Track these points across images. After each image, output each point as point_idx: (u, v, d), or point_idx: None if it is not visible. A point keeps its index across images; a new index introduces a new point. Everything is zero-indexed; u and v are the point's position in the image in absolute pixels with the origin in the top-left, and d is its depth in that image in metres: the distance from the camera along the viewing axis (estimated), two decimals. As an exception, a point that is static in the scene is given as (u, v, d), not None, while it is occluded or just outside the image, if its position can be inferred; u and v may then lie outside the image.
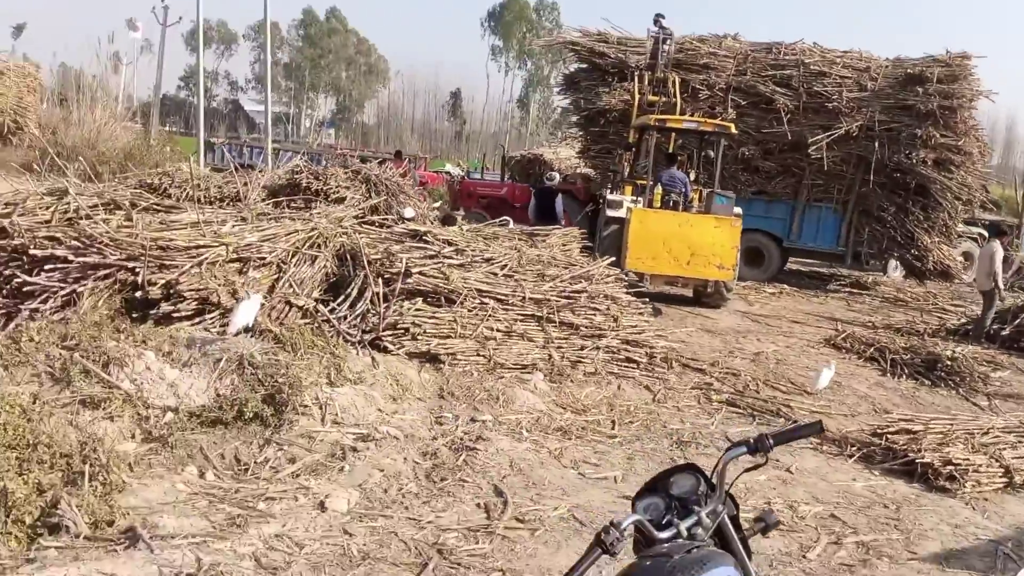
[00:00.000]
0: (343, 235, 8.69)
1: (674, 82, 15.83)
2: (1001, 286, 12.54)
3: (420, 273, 7.96)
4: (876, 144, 16.51)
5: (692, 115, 15.96)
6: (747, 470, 2.61)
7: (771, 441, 2.50)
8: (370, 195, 14.09)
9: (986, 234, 21.73)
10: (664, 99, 15.82)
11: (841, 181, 17.23)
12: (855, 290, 17.85)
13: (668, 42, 16.22)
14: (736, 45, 17.88)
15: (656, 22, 16.27)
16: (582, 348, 8.29)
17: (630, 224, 12.44)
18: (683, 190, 13.32)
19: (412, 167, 20.98)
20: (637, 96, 15.82)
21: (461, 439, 6.15)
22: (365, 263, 7.98)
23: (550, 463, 6.02)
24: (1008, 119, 72.22)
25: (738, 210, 13.30)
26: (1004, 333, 12.24)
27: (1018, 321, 12.13)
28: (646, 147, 14.75)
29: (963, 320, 13.60)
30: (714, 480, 2.54)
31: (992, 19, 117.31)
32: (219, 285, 7.12)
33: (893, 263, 19.06)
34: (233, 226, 7.94)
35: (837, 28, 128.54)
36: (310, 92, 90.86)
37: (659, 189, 13.33)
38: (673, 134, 15.25)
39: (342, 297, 7.78)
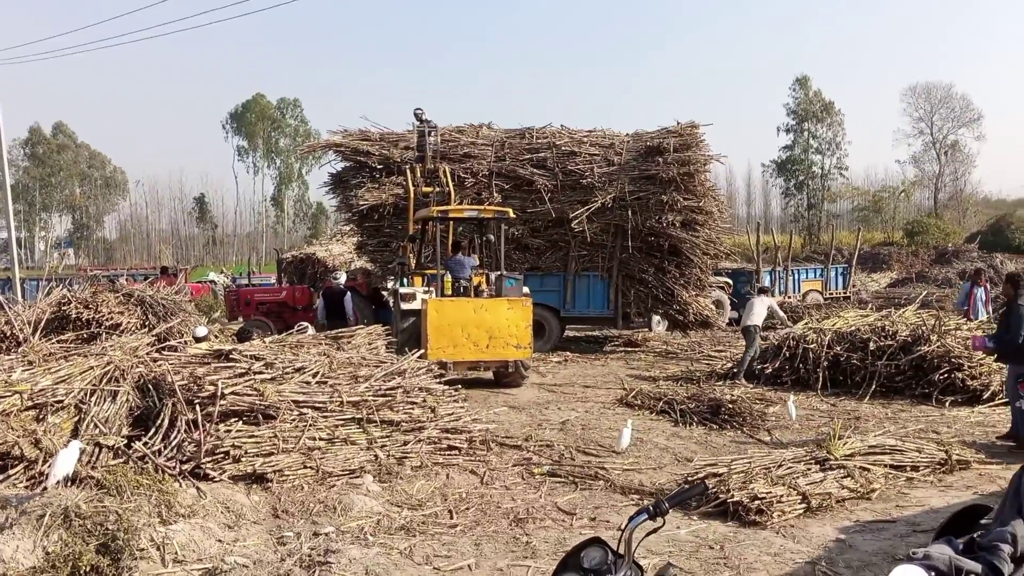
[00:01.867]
0: (140, 365, 8.37)
1: (445, 172, 16.40)
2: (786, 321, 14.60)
3: (233, 393, 7.80)
4: (629, 213, 17.80)
5: (461, 202, 16.67)
6: (648, 534, 2.92)
7: (667, 505, 2.84)
8: (147, 317, 13.58)
9: (731, 282, 24.18)
10: (438, 189, 16.37)
11: (604, 250, 18.43)
12: (629, 348, 19.17)
13: (432, 134, 16.83)
14: (492, 133, 18.90)
15: (418, 117, 16.86)
16: (405, 443, 8.41)
17: (427, 314, 12.72)
18: (471, 275, 13.83)
19: (184, 282, 20.15)
20: (412, 189, 16.27)
21: (309, 556, 6.08)
22: (172, 391, 7.72)
23: (404, 564, 6.08)
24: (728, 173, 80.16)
25: (526, 290, 13.97)
26: (767, 372, 13.63)
27: (778, 360, 13.55)
28: (429, 237, 15.18)
29: (730, 365, 14.97)
30: (620, 549, 2.84)
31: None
32: (19, 437, 6.66)
33: (656, 318, 20.59)
34: (23, 371, 7.45)
35: (560, 108, 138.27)
36: (42, 213, 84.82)
37: (448, 277, 13.73)
38: (453, 222, 15.77)
39: (153, 430, 7.48)
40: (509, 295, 13.37)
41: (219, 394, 7.64)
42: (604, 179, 18.00)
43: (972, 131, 69.15)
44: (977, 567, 2.84)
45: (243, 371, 8.18)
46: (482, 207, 15.24)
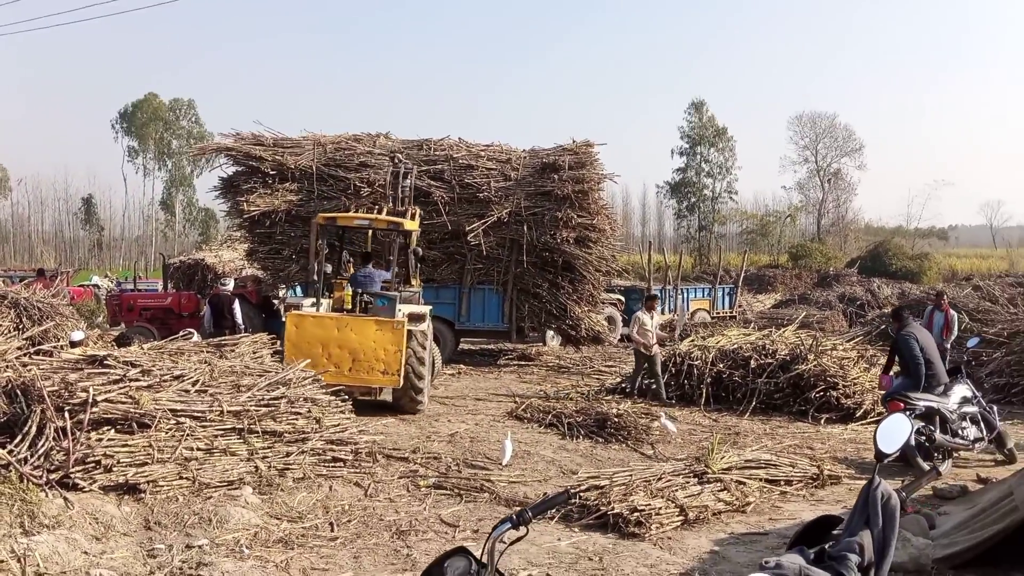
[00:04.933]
0: (8, 369, 7.99)
1: (413, 215, 15.11)
2: (653, 342, 14.13)
3: (106, 400, 7.52)
4: (525, 228, 17.86)
5: (356, 211, 16.28)
6: (511, 543, 2.94)
7: (530, 514, 2.88)
8: (21, 320, 13.00)
9: (623, 299, 24.60)
10: None
11: (499, 264, 18.46)
12: (523, 362, 19.30)
13: (408, 177, 15.93)
14: (389, 143, 18.75)
15: (393, 159, 16.34)
16: (288, 455, 8.25)
17: (285, 329, 11.71)
18: (381, 290, 13.09)
19: (64, 285, 19.33)
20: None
21: (180, 569, 5.91)
22: (40, 397, 7.38)
23: (279, 577, 5.97)
24: (624, 193, 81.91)
25: (423, 309, 13.21)
26: (653, 387, 13.91)
27: (664, 376, 13.84)
28: (337, 246, 14.63)
29: (619, 380, 15.22)
30: (484, 559, 2.86)
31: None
32: None
33: (550, 333, 20.79)
34: None
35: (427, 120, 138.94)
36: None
37: (348, 289, 12.95)
38: (355, 232, 15.26)
39: (19, 437, 7.13)
40: (379, 314, 12.23)
41: (91, 401, 7.36)
42: (501, 193, 18.07)
43: (854, 160, 72.26)
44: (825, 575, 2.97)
45: (118, 378, 7.89)
46: (374, 216, 14.51)
